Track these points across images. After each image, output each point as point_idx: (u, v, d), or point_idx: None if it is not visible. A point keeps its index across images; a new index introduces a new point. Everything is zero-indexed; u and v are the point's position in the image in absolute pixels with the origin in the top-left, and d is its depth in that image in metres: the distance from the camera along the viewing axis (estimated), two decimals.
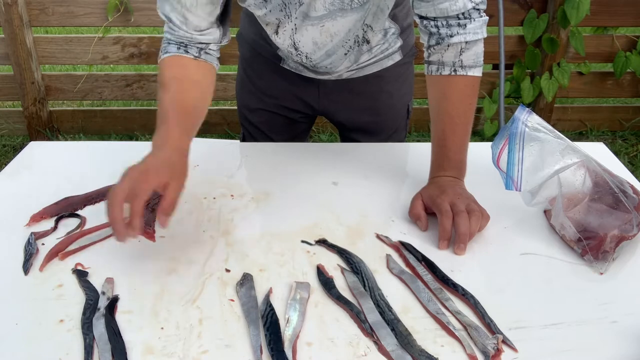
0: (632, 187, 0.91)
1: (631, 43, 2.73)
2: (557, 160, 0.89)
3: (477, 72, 0.97)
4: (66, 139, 2.83)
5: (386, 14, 1.06)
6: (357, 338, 0.73)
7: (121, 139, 2.89)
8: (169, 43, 0.98)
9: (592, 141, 1.55)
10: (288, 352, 0.69)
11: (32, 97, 2.73)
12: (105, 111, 2.92)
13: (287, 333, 0.72)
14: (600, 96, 2.96)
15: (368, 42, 1.12)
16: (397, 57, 1.21)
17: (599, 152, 1.16)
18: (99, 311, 0.76)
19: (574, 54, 2.70)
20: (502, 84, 2.43)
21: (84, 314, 0.75)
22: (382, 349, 0.70)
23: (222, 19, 0.99)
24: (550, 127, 0.92)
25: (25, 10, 2.55)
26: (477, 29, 0.94)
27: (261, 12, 1.01)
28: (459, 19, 0.93)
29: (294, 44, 1.06)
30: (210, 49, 1.00)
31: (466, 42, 0.94)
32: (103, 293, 0.79)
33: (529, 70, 2.76)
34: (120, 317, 0.76)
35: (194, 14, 0.94)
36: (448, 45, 0.95)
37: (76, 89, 2.78)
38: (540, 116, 0.92)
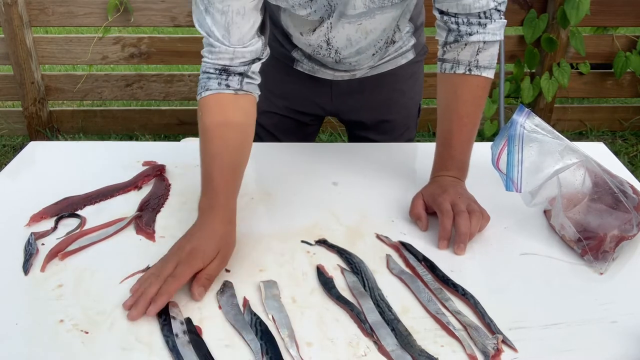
0: (632, 187, 0.91)
1: (631, 43, 2.73)
2: (556, 160, 0.89)
3: (490, 74, 0.97)
4: (66, 139, 2.83)
5: (411, 12, 1.07)
6: (357, 338, 0.73)
7: (121, 139, 2.89)
8: (209, 73, 0.92)
9: (592, 141, 1.55)
10: (292, 351, 0.70)
11: (32, 97, 2.73)
12: (105, 111, 2.92)
13: (283, 334, 0.72)
14: (600, 96, 2.96)
15: (394, 42, 1.12)
16: (411, 56, 1.21)
17: (599, 152, 1.16)
18: (179, 338, 0.72)
19: (573, 54, 2.70)
20: (502, 84, 2.43)
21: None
22: (382, 349, 0.70)
23: (262, 29, 0.93)
24: (549, 127, 0.91)
25: (25, 10, 2.55)
26: (497, 30, 0.94)
27: (305, 12, 0.98)
28: (480, 17, 0.93)
29: (328, 40, 1.05)
30: (252, 73, 0.94)
31: (484, 42, 0.94)
32: (174, 318, 0.75)
33: (529, 70, 2.76)
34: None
35: (238, 26, 0.88)
36: (465, 44, 0.94)
37: (76, 89, 2.78)
38: (540, 116, 0.92)
